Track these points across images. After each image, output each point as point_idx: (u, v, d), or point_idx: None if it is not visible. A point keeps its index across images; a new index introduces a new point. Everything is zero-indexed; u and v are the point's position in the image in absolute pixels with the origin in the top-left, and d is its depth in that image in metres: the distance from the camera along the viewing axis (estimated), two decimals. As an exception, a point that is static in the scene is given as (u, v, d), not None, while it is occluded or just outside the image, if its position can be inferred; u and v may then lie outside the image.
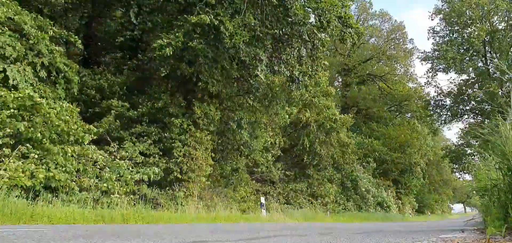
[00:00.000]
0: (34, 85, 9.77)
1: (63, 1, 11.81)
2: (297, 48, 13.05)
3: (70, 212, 7.47)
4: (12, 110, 8.39)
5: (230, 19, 11.21)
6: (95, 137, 10.59)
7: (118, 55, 15.28)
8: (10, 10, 9.76)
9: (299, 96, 16.52)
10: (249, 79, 13.64)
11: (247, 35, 11.20)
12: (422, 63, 32.54)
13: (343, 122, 22.72)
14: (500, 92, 22.81)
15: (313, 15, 12.35)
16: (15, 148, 8.16)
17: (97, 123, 11.73)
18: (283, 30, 12.21)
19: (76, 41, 11.75)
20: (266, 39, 12.20)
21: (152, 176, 11.34)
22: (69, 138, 9.42)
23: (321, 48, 13.50)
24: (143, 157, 11.79)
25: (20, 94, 8.73)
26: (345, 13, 13.16)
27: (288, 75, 13.39)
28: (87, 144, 10.00)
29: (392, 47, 40.10)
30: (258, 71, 12.02)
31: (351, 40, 13.30)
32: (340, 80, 41.36)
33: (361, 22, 40.09)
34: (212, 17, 10.94)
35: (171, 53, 10.92)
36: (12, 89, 9.02)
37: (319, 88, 21.22)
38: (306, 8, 12.05)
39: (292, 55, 13.09)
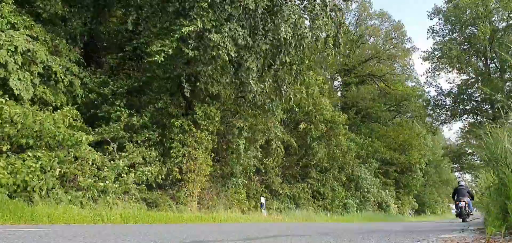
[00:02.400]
0: (35, 92, 9.65)
1: (62, 9, 11.70)
2: (281, 60, 13.07)
3: (70, 212, 7.47)
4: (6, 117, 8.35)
5: (219, 28, 11.02)
6: (93, 140, 10.57)
7: (118, 55, 15.25)
8: (11, 17, 9.66)
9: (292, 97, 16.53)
10: (244, 83, 13.61)
11: (232, 49, 11.04)
12: (422, 63, 32.70)
13: (336, 119, 22.57)
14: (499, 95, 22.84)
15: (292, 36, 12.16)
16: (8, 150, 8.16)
17: (102, 128, 11.68)
18: (270, 43, 12.16)
19: (74, 52, 11.78)
20: (259, 47, 12.15)
21: (151, 176, 11.34)
22: (68, 141, 9.37)
23: (298, 66, 13.74)
24: (142, 157, 11.76)
25: (17, 109, 8.62)
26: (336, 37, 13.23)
27: (275, 85, 13.58)
28: (87, 146, 9.96)
29: (392, 46, 40.07)
30: (250, 79, 11.95)
31: (334, 57, 13.41)
32: (340, 80, 41.33)
33: (361, 22, 40.10)
34: (204, 23, 10.77)
35: (162, 60, 10.83)
36: (12, 98, 8.91)
37: (316, 87, 21.20)
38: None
39: (279, 67, 13.20)
